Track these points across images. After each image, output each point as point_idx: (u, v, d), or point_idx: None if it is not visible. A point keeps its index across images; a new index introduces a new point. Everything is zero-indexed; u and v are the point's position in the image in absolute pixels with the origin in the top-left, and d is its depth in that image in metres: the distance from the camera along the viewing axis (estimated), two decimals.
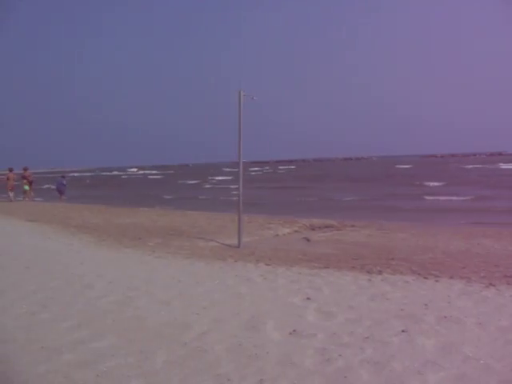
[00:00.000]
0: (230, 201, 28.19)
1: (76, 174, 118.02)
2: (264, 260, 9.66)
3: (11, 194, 32.01)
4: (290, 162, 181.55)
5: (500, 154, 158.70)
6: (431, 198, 29.29)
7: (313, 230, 14.51)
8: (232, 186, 40.58)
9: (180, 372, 4.44)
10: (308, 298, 6.78)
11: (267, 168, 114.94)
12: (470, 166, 74.16)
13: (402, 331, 5.36)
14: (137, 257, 10.41)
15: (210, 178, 71.60)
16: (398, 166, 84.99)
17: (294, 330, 5.45)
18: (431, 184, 41.07)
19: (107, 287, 7.71)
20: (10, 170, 32.15)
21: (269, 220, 16.32)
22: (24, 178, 32.52)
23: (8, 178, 31.95)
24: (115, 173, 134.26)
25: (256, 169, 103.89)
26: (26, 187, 32.45)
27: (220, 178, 70.67)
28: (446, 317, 5.82)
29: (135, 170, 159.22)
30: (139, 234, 13.68)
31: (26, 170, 32.25)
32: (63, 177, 32.90)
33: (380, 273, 8.29)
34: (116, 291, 7.42)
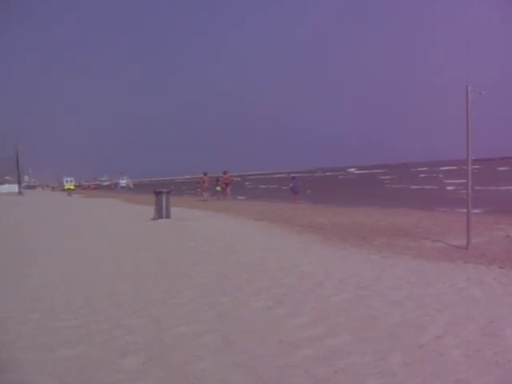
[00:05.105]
0: (448, 200, 27.22)
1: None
2: (496, 262, 9.16)
3: (205, 194, 36.20)
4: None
5: None
6: None
7: None
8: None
9: (418, 375, 4.41)
10: None
11: None
12: None
13: None
14: (363, 256, 10.53)
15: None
16: None
17: None
18: None
19: (337, 286, 7.91)
20: (205, 174, 36.22)
21: (497, 220, 15.39)
22: (218, 180, 36.71)
23: (204, 181, 36.29)
24: (330, 173, 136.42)
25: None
26: (218, 188, 36.59)
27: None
28: None
29: (354, 169, 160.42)
30: (363, 234, 13.80)
31: (225, 173, 36.42)
32: (293, 178, 34.35)
33: None
34: (346, 290, 7.58)
